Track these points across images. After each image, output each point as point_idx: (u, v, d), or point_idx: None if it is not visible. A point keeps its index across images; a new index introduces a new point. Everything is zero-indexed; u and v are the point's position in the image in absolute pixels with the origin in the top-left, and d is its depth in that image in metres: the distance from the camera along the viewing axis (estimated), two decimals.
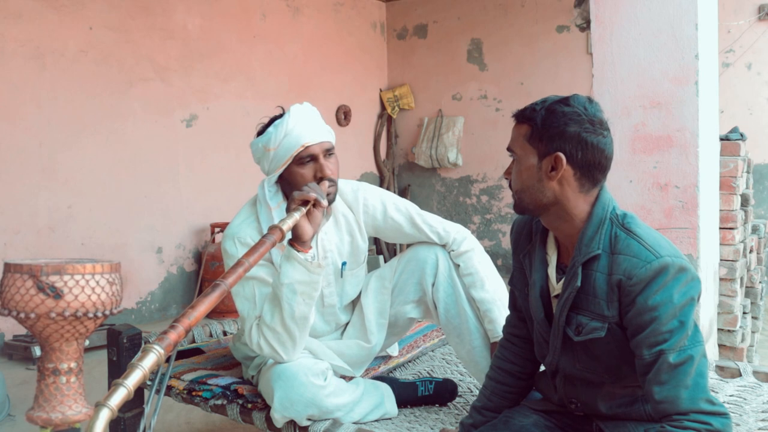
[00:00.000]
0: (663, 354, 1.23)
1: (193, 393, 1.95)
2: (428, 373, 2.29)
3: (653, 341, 1.24)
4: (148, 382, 1.84)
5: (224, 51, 5.35)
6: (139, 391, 2.03)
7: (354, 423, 1.76)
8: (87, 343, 2.19)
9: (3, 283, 2.00)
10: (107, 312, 2.03)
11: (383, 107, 7.06)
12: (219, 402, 1.89)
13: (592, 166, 1.31)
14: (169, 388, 1.99)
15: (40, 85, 4.15)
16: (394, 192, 5.87)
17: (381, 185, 6.99)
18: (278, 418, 1.70)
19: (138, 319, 4.72)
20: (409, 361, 2.38)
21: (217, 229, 4.98)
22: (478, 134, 6.64)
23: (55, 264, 1.97)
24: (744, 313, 3.30)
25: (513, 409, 1.55)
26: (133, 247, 4.70)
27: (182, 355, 2.23)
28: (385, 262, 6.29)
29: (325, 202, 1.64)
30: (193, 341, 2.40)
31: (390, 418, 1.89)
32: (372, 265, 2.10)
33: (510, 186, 1.41)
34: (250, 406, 1.83)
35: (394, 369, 2.28)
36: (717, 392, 1.92)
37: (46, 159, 4.19)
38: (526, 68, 6.35)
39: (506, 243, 6.51)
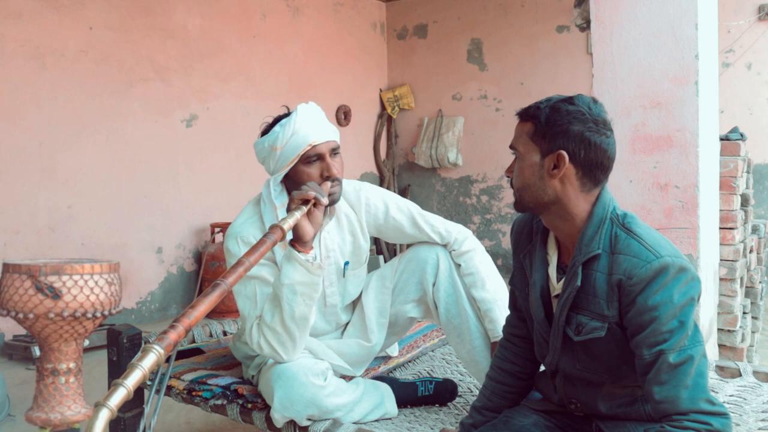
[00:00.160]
0: (663, 354, 1.23)
1: (193, 393, 1.94)
2: (428, 373, 2.29)
3: (653, 341, 1.24)
4: (148, 382, 1.84)
5: (224, 51, 5.35)
6: (138, 391, 2.03)
7: (354, 423, 1.76)
8: (87, 343, 2.19)
9: (2, 283, 2.00)
10: (106, 312, 2.02)
11: (383, 107, 7.06)
12: (219, 402, 1.89)
13: (595, 165, 1.31)
14: (169, 388, 1.99)
15: (40, 85, 4.15)
16: (394, 192, 5.87)
17: (381, 185, 6.99)
18: (278, 418, 1.70)
19: (138, 319, 4.72)
20: (409, 361, 2.38)
21: (217, 229, 4.98)
22: (478, 134, 6.64)
23: (54, 264, 1.97)
24: (744, 313, 3.30)
25: (513, 409, 1.55)
26: (133, 247, 4.70)
27: (182, 355, 2.23)
28: (386, 262, 6.29)
29: (325, 201, 1.64)
30: (193, 341, 2.40)
31: (390, 418, 1.89)
32: (372, 265, 2.10)
33: (511, 184, 1.41)
34: (250, 406, 1.83)
35: (394, 369, 2.28)
36: (717, 392, 1.92)
37: (46, 159, 4.19)
38: (526, 68, 6.35)
39: (506, 243, 6.51)
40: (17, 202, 4.05)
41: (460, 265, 1.96)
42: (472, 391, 2.11)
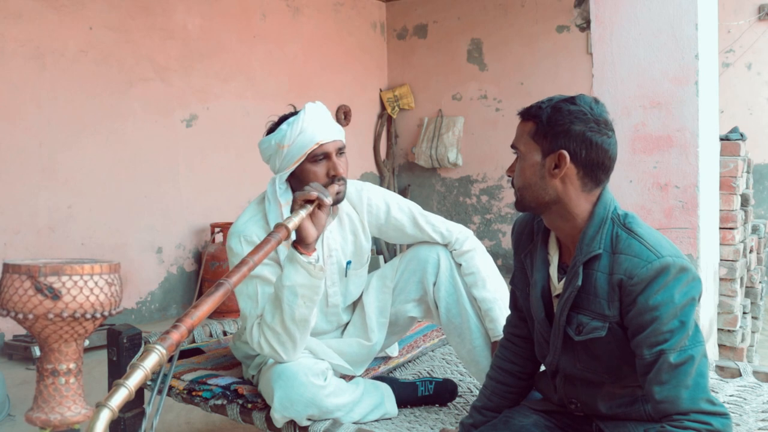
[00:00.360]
0: (663, 354, 1.23)
1: (193, 393, 1.94)
2: (428, 373, 2.29)
3: (654, 341, 1.24)
4: (149, 383, 1.83)
5: (224, 51, 5.35)
6: (139, 391, 2.03)
7: (354, 423, 1.76)
8: (87, 343, 2.18)
9: (2, 283, 2.00)
10: (106, 313, 2.02)
11: (383, 107, 7.06)
12: (219, 402, 1.89)
13: (596, 165, 1.31)
14: (170, 388, 1.99)
15: (40, 85, 4.15)
16: (394, 192, 5.86)
17: (381, 185, 6.99)
18: (278, 418, 1.70)
19: (138, 319, 4.72)
20: (409, 361, 2.38)
21: (217, 229, 4.97)
22: (478, 134, 6.64)
23: (53, 265, 1.96)
24: (744, 313, 3.30)
25: (513, 409, 1.55)
26: (133, 247, 4.70)
27: (182, 355, 2.23)
28: (386, 262, 6.29)
29: (329, 200, 1.61)
30: (193, 341, 2.40)
31: (390, 418, 1.89)
32: (372, 266, 2.10)
33: (512, 183, 1.41)
34: (250, 406, 1.82)
35: (394, 369, 2.28)
36: (717, 392, 1.92)
37: (46, 159, 4.19)
38: (526, 68, 6.35)
39: (506, 243, 6.51)
40: (17, 202, 4.05)
41: (460, 265, 1.96)
42: (472, 391, 2.11)
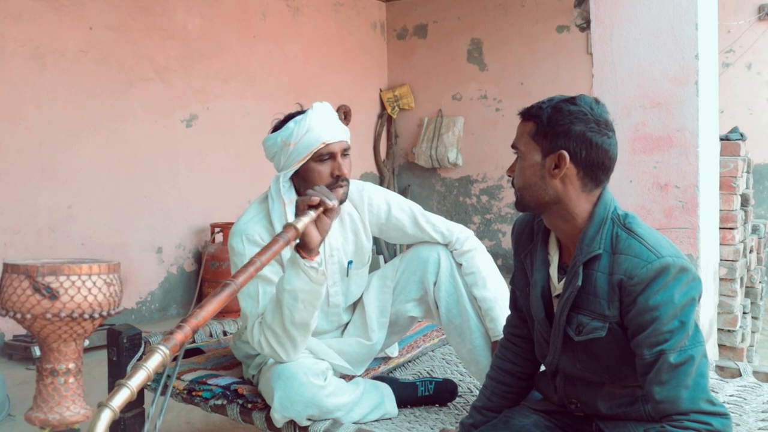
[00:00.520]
0: (663, 354, 1.23)
1: (193, 393, 1.94)
2: (428, 373, 2.29)
3: (654, 341, 1.24)
4: (150, 383, 1.83)
5: (224, 51, 5.35)
6: (139, 392, 2.02)
7: (354, 423, 1.76)
8: (87, 343, 2.18)
9: (1, 283, 2.00)
10: (104, 313, 2.01)
11: (383, 107, 7.06)
12: (219, 402, 1.89)
13: (596, 166, 1.31)
14: (164, 387, 1.99)
15: (40, 85, 4.15)
16: (395, 192, 5.86)
17: (381, 185, 6.98)
18: (278, 418, 1.70)
19: (138, 319, 4.71)
20: (409, 361, 2.38)
21: (217, 229, 4.97)
22: (478, 134, 6.63)
23: (51, 265, 1.96)
24: (744, 313, 3.30)
25: (513, 409, 1.55)
26: (133, 247, 4.70)
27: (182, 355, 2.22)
28: (386, 262, 6.29)
29: (333, 203, 1.57)
30: (193, 341, 2.40)
31: (390, 418, 1.89)
32: (372, 266, 2.10)
33: (512, 183, 1.41)
34: (250, 406, 1.82)
35: (394, 369, 2.28)
36: (717, 392, 1.92)
37: (46, 159, 4.19)
38: (526, 68, 6.35)
39: (506, 243, 6.51)
40: (17, 202, 4.05)
41: (461, 265, 1.97)
42: (472, 391, 2.11)
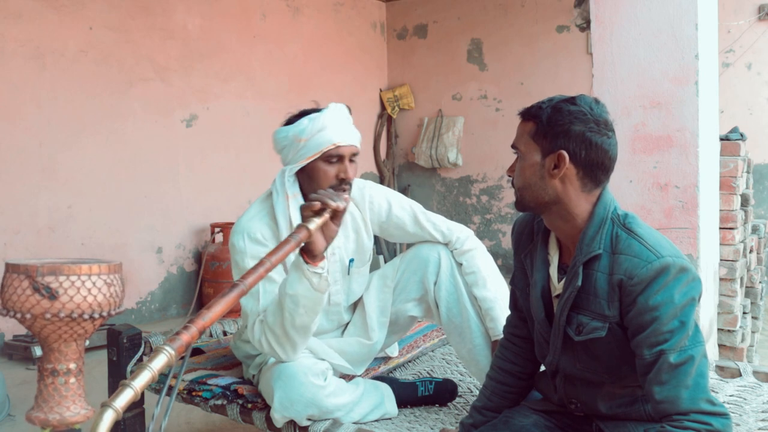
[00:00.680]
0: (663, 354, 1.23)
1: (193, 393, 1.94)
2: (428, 373, 2.29)
3: (654, 341, 1.24)
4: (152, 384, 1.83)
5: (224, 51, 5.35)
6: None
7: (354, 423, 1.76)
8: (87, 343, 2.17)
9: (3, 283, 2.00)
10: (104, 313, 2.00)
11: (383, 107, 7.06)
12: (219, 402, 1.89)
13: (595, 166, 1.31)
14: (169, 388, 1.99)
15: (40, 85, 4.15)
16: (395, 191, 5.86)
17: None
18: (278, 418, 1.70)
19: (138, 319, 4.71)
20: (409, 361, 2.38)
21: (217, 229, 4.97)
22: (478, 134, 6.63)
23: (51, 265, 1.95)
24: (744, 313, 3.30)
25: (513, 409, 1.55)
26: (133, 247, 4.70)
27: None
28: (385, 262, 6.29)
29: (337, 204, 1.52)
30: None
31: (390, 418, 1.89)
32: (372, 266, 2.10)
33: (512, 183, 1.41)
34: (250, 406, 1.83)
35: (394, 369, 2.28)
36: (717, 392, 1.92)
37: (46, 159, 4.19)
38: (526, 68, 6.35)
39: (506, 243, 6.51)
40: (17, 202, 4.05)
41: (461, 264, 1.97)
42: (472, 391, 2.11)
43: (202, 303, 4.98)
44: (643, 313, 1.25)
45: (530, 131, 1.35)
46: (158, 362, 1.08)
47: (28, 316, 1.93)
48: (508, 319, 1.66)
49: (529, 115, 1.36)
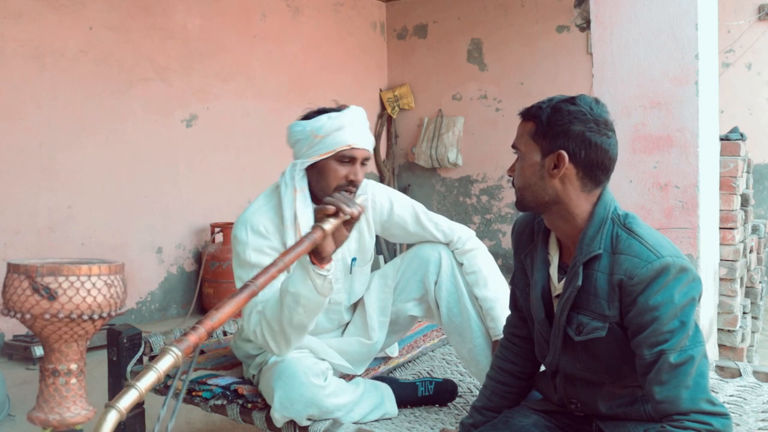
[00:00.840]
0: (664, 354, 1.23)
1: (193, 393, 1.94)
2: (428, 373, 2.29)
3: (654, 341, 1.24)
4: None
5: (224, 51, 5.35)
6: None
7: (354, 423, 1.76)
8: (87, 343, 2.17)
9: (5, 283, 2.00)
10: (105, 314, 2.00)
11: (383, 107, 7.06)
12: (219, 402, 1.89)
13: (595, 166, 1.31)
14: (169, 388, 1.99)
15: (40, 85, 4.15)
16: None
17: None
18: (278, 417, 1.70)
19: (138, 319, 4.72)
20: (409, 362, 2.38)
21: (217, 229, 4.97)
22: (478, 134, 6.63)
23: (50, 265, 1.95)
24: (744, 313, 3.30)
25: (513, 409, 1.55)
26: (133, 247, 4.70)
27: None
28: (385, 262, 6.29)
29: (351, 210, 1.50)
30: None
31: (390, 418, 1.89)
32: (372, 266, 2.11)
33: (513, 183, 1.41)
34: (250, 406, 1.83)
35: (394, 369, 2.28)
36: (717, 392, 1.92)
37: (46, 159, 4.19)
38: (526, 68, 6.35)
39: (506, 243, 6.51)
40: (17, 202, 4.05)
41: (462, 264, 1.97)
42: (472, 391, 2.11)
43: (202, 303, 4.98)
44: (643, 313, 1.25)
45: (530, 131, 1.35)
46: (164, 363, 1.06)
47: (28, 316, 1.93)
48: (509, 319, 1.66)
49: (529, 115, 1.36)
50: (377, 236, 2.09)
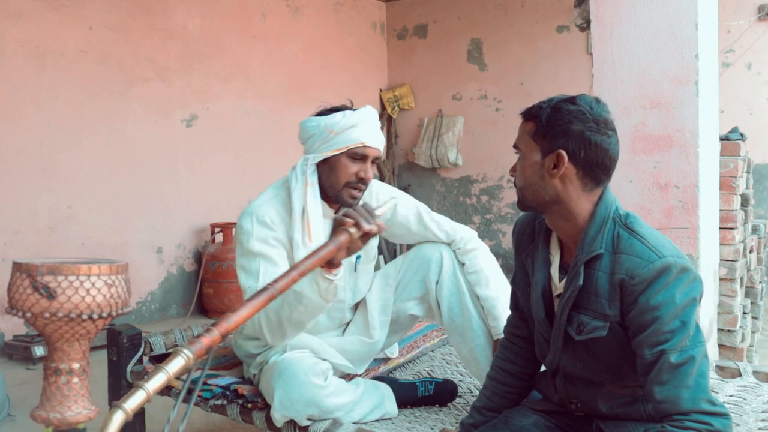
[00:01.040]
0: (664, 354, 1.23)
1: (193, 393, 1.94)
2: (428, 373, 2.29)
3: (655, 341, 1.24)
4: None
5: (224, 51, 5.35)
6: None
7: (354, 423, 1.76)
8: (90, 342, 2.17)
9: (10, 281, 2.01)
10: (105, 314, 2.00)
11: (383, 107, 7.06)
12: (219, 402, 1.89)
13: (595, 165, 1.31)
14: (169, 388, 1.99)
15: (40, 85, 4.15)
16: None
17: None
18: (278, 417, 1.71)
19: (138, 319, 4.71)
20: (409, 362, 2.38)
21: (217, 229, 4.97)
22: (478, 134, 6.63)
23: (51, 264, 1.95)
24: (744, 313, 3.30)
25: (513, 409, 1.55)
26: (133, 247, 4.70)
27: None
28: (386, 262, 6.29)
29: (370, 227, 1.48)
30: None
31: (390, 419, 1.89)
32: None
33: (515, 182, 1.41)
34: (250, 405, 1.83)
35: (394, 369, 2.28)
36: (717, 392, 1.92)
37: (46, 159, 4.19)
38: (526, 68, 6.35)
39: (506, 243, 6.51)
40: (17, 202, 4.04)
41: (464, 264, 1.98)
42: (472, 392, 2.11)
43: (202, 303, 4.98)
44: (644, 313, 1.25)
45: (530, 131, 1.35)
46: (175, 365, 1.04)
47: (29, 314, 1.94)
48: (509, 320, 1.66)
49: (529, 115, 1.36)
50: (378, 236, 2.09)
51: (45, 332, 2.00)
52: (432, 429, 1.83)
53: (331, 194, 1.86)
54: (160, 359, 2.21)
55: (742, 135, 3.25)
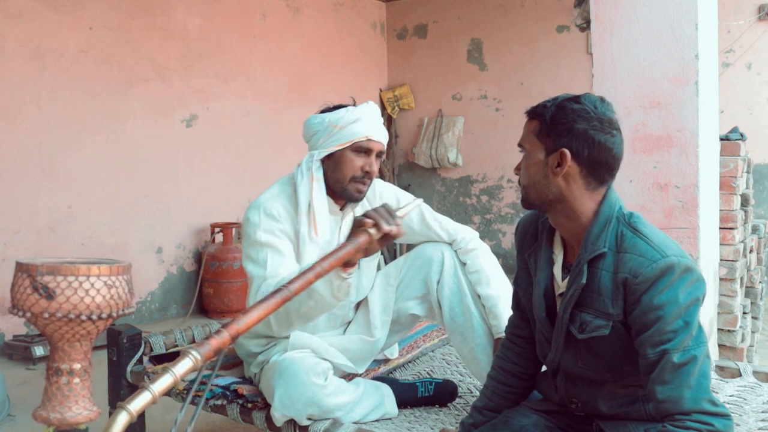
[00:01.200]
0: (667, 353, 1.23)
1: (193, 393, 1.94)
2: (428, 373, 2.29)
3: (657, 340, 1.24)
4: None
5: (224, 51, 5.35)
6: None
7: (354, 423, 1.76)
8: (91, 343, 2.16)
9: (13, 281, 2.02)
10: (104, 315, 1.99)
11: (383, 107, 7.06)
12: (219, 402, 1.89)
13: (599, 164, 1.31)
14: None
15: (40, 85, 4.15)
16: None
17: None
18: (278, 417, 1.71)
19: (138, 319, 4.71)
20: (409, 362, 2.38)
21: (217, 229, 4.97)
22: (478, 134, 6.63)
23: (50, 264, 1.95)
24: (744, 313, 3.30)
25: (513, 408, 1.55)
26: (133, 247, 4.70)
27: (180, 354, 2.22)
28: (386, 262, 6.28)
29: (389, 229, 1.46)
30: (193, 341, 2.40)
31: (390, 419, 1.89)
32: None
33: (519, 181, 1.42)
34: (250, 405, 1.83)
35: (394, 370, 2.28)
36: (717, 392, 1.92)
37: (46, 159, 4.19)
38: (526, 68, 6.35)
39: (506, 243, 6.51)
40: (17, 202, 4.04)
41: (465, 264, 1.98)
42: (472, 392, 2.11)
43: (202, 303, 4.98)
44: (647, 312, 1.25)
45: (534, 129, 1.35)
46: (182, 367, 1.02)
47: (29, 314, 1.94)
48: (510, 320, 1.66)
49: (534, 113, 1.37)
50: None
51: (46, 332, 2.00)
52: (432, 429, 1.83)
53: (337, 189, 1.87)
54: (160, 359, 2.21)
55: (742, 135, 3.25)
